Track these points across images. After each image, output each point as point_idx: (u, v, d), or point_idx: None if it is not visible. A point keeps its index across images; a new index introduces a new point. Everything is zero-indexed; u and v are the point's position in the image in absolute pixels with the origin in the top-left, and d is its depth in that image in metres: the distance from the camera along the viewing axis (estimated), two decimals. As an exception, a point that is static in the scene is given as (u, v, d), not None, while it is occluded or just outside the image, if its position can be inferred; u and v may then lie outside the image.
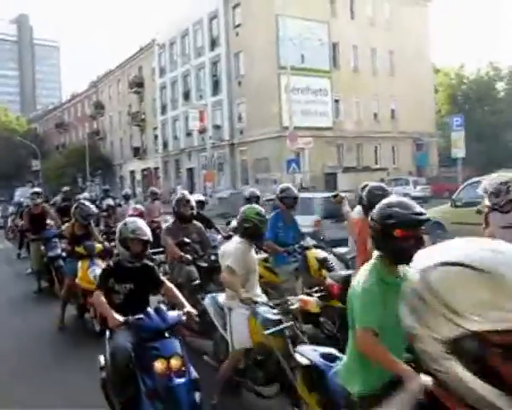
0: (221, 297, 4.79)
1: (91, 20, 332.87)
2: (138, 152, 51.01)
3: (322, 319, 5.29)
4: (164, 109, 45.98)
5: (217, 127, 37.12)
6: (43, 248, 9.55)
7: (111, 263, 4.11)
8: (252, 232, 4.40)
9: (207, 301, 4.87)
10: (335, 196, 5.69)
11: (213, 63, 38.68)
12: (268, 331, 3.80)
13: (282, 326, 3.89)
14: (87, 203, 7.97)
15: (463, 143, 19.29)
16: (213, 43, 38.43)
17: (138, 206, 11.14)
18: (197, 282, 5.62)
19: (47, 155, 67.60)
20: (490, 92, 42.93)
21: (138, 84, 50.06)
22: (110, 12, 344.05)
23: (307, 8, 31.83)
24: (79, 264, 7.04)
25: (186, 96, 41.89)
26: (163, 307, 3.82)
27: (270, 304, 4.15)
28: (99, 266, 6.79)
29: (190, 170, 41.97)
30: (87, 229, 7.60)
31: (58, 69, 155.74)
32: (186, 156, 42.11)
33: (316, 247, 6.24)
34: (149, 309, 3.72)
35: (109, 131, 58.64)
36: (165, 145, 46.20)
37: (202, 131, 34.07)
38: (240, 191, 30.25)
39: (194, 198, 6.65)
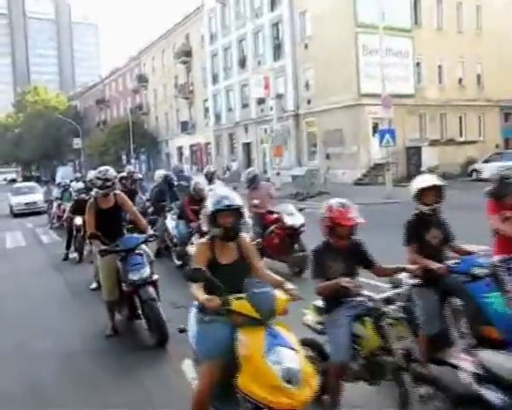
0: None
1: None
2: (186, 126, 47.36)
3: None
4: (215, 79, 42.06)
5: (279, 96, 33.02)
6: (119, 264, 5.78)
7: None
8: None
9: None
10: None
11: (274, 25, 34.51)
12: None
13: None
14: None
15: None
16: (274, 3, 34.26)
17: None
18: None
19: (88, 132, 65.43)
20: None
21: (186, 53, 46.20)
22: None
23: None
24: (240, 336, 2.93)
25: (242, 63, 37.87)
26: None
27: None
28: (286, 340, 2.87)
29: (247, 145, 38.18)
30: (240, 251, 3.42)
31: (97, 48, 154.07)
32: (242, 130, 38.29)
33: None
34: None
35: (153, 105, 55.35)
36: (217, 118, 42.39)
37: (266, 99, 30.17)
38: (317, 168, 26.53)
39: None
